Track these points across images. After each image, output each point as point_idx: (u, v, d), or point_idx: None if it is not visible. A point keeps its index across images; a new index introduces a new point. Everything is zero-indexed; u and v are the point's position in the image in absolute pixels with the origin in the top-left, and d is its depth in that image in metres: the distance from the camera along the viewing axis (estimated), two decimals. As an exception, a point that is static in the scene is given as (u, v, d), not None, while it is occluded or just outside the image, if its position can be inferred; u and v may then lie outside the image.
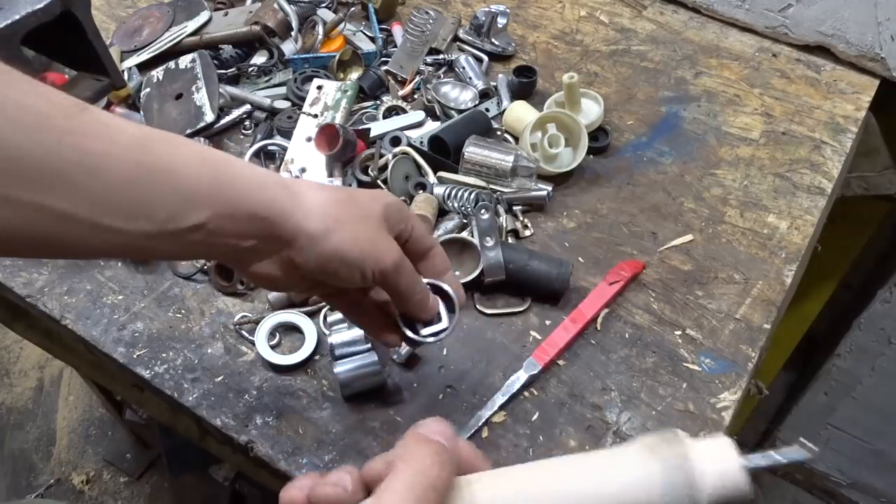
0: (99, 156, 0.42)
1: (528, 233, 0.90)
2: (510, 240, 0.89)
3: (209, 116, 0.96)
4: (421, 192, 0.89)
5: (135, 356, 0.78)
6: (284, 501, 0.42)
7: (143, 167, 0.44)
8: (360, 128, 0.96)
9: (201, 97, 0.98)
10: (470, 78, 1.05)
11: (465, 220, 0.88)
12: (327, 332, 0.79)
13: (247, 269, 0.53)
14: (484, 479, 0.42)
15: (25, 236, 0.42)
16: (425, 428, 0.42)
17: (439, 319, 0.61)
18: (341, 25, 1.12)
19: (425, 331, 0.61)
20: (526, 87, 1.04)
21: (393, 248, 0.55)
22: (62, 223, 0.42)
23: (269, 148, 0.96)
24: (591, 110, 0.99)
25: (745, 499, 0.39)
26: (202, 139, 0.95)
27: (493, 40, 1.11)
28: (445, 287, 0.61)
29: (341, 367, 0.73)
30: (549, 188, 0.91)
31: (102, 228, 0.43)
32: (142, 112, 1.01)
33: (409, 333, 0.60)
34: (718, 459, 0.40)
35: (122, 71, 1.04)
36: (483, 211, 0.84)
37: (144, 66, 1.06)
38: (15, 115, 0.39)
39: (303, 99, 1.00)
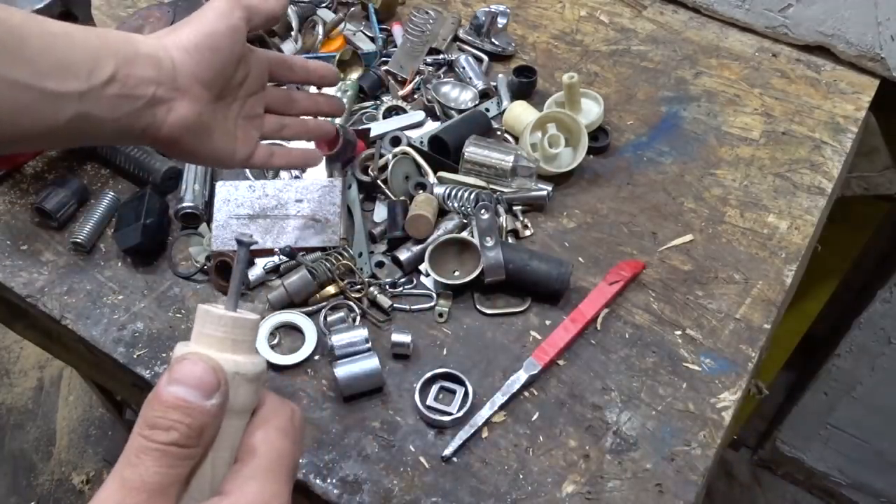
0: (18, 26, 0.49)
1: (528, 233, 0.90)
2: (510, 240, 0.89)
3: (209, 116, 0.96)
4: (421, 192, 0.89)
5: (135, 356, 0.79)
6: None
7: (49, 33, 0.51)
8: (360, 128, 0.96)
9: (201, 97, 0.98)
10: (470, 78, 1.05)
11: (465, 220, 0.88)
12: (327, 332, 0.79)
13: (166, 125, 0.58)
14: None
15: None
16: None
17: None
18: (341, 25, 1.12)
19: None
20: (526, 87, 1.04)
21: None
22: (11, 90, 0.49)
23: (269, 148, 0.96)
24: (591, 110, 0.99)
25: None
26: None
27: (493, 40, 1.11)
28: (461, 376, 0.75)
29: (341, 369, 0.73)
30: (549, 188, 0.91)
31: (44, 94, 0.50)
32: (142, 112, 1.01)
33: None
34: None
35: (122, 71, 1.04)
36: (483, 211, 0.84)
37: (144, 66, 1.06)
38: None
39: (303, 99, 1.00)
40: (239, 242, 0.43)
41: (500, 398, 0.74)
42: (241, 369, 0.40)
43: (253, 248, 0.81)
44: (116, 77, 0.53)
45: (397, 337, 0.77)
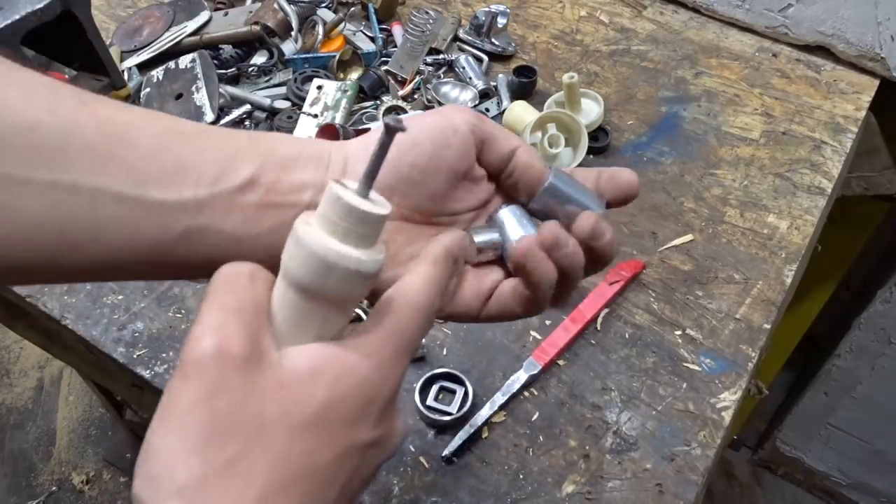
0: (123, 125, 0.37)
1: (528, 233, 0.90)
2: (510, 240, 0.89)
3: (209, 116, 0.96)
4: (421, 192, 0.88)
5: (135, 356, 0.78)
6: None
7: (173, 132, 0.38)
8: (360, 128, 0.96)
9: (201, 97, 0.98)
10: (470, 78, 1.05)
11: (465, 220, 0.88)
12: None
13: None
14: None
15: (54, 226, 0.35)
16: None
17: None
18: (341, 25, 1.12)
19: None
20: (526, 87, 1.04)
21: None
22: (94, 201, 0.35)
23: (269, 148, 0.96)
24: (591, 110, 0.99)
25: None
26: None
27: (493, 40, 1.11)
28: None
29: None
30: (549, 188, 0.91)
31: (144, 204, 0.36)
32: (142, 112, 1.01)
33: None
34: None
35: (122, 71, 1.04)
36: (483, 211, 0.84)
37: (144, 66, 1.06)
38: (29, 88, 0.35)
39: (303, 99, 1.00)
40: (388, 128, 0.34)
41: (500, 398, 0.74)
42: (362, 267, 0.35)
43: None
44: (258, 181, 0.39)
45: None
